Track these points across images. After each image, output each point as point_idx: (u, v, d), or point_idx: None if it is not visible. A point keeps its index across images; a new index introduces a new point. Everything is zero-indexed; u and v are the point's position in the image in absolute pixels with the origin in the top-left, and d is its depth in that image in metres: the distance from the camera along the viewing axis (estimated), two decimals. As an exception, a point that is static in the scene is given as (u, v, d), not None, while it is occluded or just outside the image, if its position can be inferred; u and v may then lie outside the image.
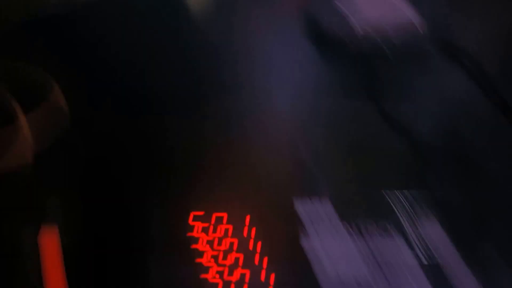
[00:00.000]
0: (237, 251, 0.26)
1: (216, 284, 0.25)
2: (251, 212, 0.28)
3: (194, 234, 0.27)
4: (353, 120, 0.35)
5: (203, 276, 0.25)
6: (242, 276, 0.25)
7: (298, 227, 0.27)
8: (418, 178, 0.30)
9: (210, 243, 0.27)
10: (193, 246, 0.26)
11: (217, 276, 0.25)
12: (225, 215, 0.28)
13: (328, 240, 0.26)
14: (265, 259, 0.26)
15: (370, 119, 0.35)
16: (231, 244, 0.26)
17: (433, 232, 0.26)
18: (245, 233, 0.27)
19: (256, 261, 0.26)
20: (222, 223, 0.27)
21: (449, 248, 0.25)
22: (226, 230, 0.27)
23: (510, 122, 0.33)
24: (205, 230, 0.27)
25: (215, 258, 0.26)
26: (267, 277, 0.25)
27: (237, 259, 0.26)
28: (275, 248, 0.26)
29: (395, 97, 0.37)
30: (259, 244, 0.26)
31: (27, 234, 0.26)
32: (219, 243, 0.26)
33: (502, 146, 0.32)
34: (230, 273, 0.25)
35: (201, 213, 0.28)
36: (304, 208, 0.28)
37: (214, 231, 0.27)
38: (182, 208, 0.28)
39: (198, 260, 0.26)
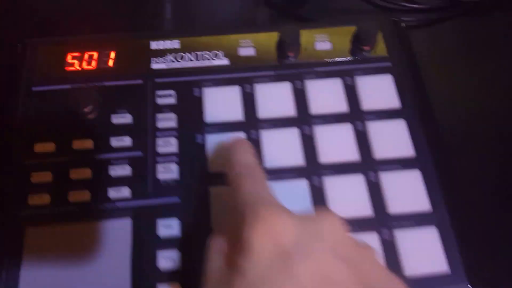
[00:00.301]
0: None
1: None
2: (116, 50, 0.37)
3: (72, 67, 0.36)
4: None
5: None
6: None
7: (150, 57, 0.36)
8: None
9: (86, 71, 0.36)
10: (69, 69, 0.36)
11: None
12: (96, 53, 0.36)
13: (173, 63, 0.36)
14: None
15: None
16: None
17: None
18: (109, 63, 0.36)
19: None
20: (93, 59, 0.36)
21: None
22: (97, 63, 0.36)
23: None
24: (80, 64, 0.36)
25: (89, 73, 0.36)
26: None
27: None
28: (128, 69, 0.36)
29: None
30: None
31: None
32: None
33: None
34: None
35: (77, 53, 0.36)
36: (157, 45, 0.37)
37: (87, 64, 0.36)
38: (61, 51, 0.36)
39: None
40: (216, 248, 0.24)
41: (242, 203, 0.23)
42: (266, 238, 0.21)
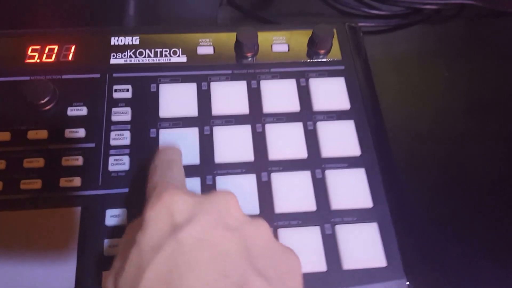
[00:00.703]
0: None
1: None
2: (76, 44, 0.37)
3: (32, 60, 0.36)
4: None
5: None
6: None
7: (109, 52, 0.37)
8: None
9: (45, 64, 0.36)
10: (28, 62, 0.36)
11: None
12: (57, 46, 0.37)
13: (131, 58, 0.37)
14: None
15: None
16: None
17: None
18: (68, 57, 0.37)
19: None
20: (53, 52, 0.37)
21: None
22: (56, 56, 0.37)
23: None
24: (40, 57, 0.37)
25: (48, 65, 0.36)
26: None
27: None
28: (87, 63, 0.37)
29: None
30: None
31: None
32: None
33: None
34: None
35: (37, 46, 0.37)
36: (117, 40, 0.38)
37: (46, 57, 0.37)
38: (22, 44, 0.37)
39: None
40: (128, 229, 0.26)
41: (150, 189, 0.26)
42: (162, 215, 0.23)
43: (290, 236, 0.31)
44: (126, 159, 0.33)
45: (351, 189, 0.33)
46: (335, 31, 0.40)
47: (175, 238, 0.22)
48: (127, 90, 0.35)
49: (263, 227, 0.25)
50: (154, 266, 0.21)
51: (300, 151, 0.35)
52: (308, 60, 0.39)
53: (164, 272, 0.21)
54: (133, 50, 0.37)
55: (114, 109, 0.35)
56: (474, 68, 0.48)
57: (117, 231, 0.30)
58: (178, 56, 0.38)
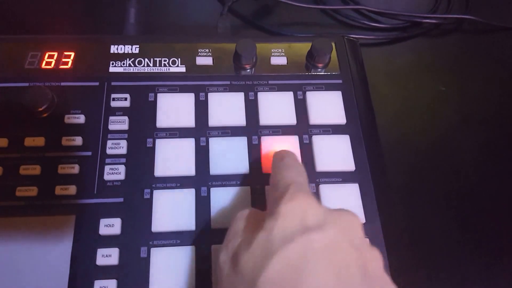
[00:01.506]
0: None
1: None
2: (76, 51, 0.38)
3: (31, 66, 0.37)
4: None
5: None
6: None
7: (109, 60, 0.38)
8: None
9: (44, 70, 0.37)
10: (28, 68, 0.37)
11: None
12: (56, 53, 0.37)
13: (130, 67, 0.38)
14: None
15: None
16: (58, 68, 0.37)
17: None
18: (67, 64, 0.37)
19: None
20: (53, 59, 0.37)
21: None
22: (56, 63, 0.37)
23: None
24: (39, 63, 0.37)
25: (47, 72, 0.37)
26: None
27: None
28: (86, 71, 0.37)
29: None
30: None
31: None
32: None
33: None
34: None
35: (37, 52, 0.37)
36: (117, 49, 0.38)
37: (46, 64, 0.37)
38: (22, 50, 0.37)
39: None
40: (242, 215, 0.27)
41: (284, 184, 0.27)
42: (295, 212, 0.24)
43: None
44: (122, 169, 0.33)
45: (345, 204, 0.34)
46: (333, 44, 0.40)
47: (308, 237, 0.23)
48: (125, 99, 0.36)
49: (379, 255, 0.26)
50: (284, 254, 0.22)
51: (295, 165, 0.35)
52: (306, 73, 0.39)
53: (292, 263, 0.22)
54: (133, 59, 0.38)
55: (111, 118, 0.35)
56: (471, 82, 0.48)
57: (110, 241, 0.31)
58: (177, 66, 0.38)
